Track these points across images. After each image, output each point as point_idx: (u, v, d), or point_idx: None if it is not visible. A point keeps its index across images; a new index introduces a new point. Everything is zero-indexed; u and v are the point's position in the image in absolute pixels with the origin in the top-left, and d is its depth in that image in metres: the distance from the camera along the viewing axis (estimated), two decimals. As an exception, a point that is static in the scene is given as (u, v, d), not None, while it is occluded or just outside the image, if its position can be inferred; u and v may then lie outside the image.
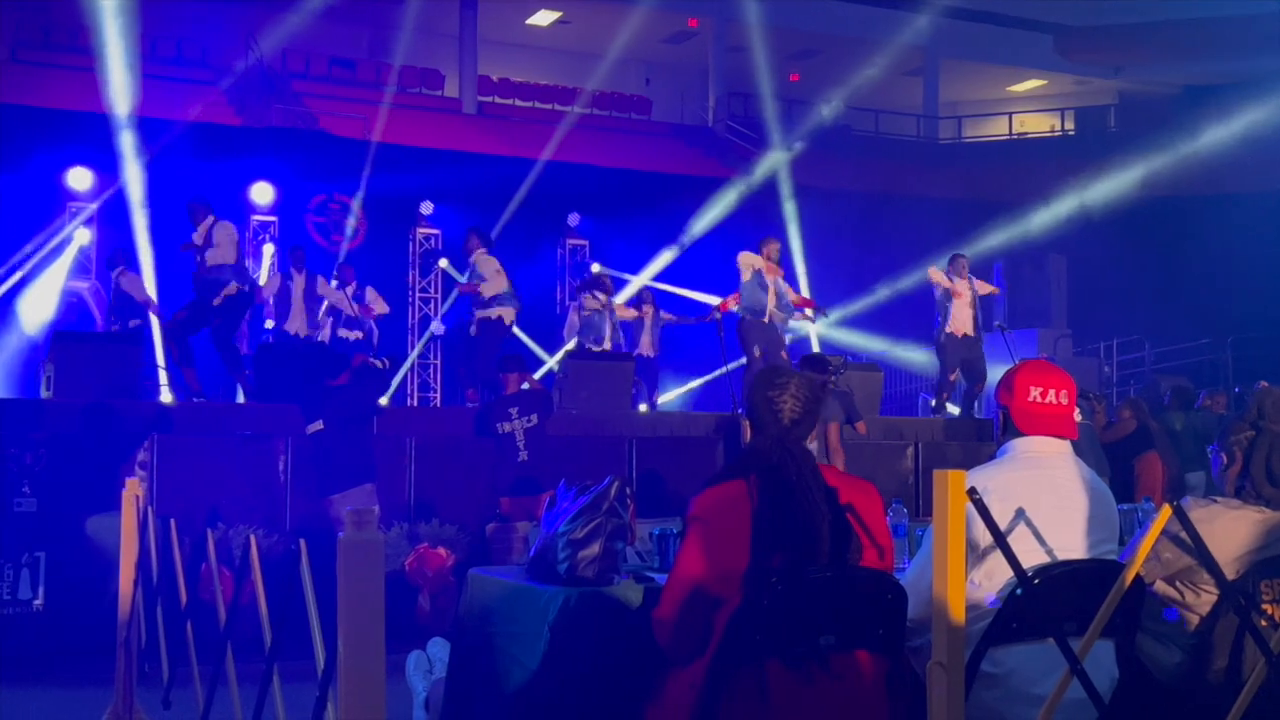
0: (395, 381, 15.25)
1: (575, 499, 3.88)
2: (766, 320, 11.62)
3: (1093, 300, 18.66)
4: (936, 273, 12.72)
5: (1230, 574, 3.66)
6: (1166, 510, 2.94)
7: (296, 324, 13.04)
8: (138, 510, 5.21)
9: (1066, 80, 27.34)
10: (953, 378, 12.97)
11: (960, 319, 12.63)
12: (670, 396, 16.10)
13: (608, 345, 13.05)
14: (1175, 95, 25.90)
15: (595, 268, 15.00)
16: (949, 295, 12.58)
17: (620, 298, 15.05)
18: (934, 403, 13.23)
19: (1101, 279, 19.16)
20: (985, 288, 13.18)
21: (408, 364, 17.12)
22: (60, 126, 15.81)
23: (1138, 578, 3.19)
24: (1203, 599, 3.81)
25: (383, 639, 2.78)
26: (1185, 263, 19.18)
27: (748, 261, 11.71)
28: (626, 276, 17.30)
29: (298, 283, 13.14)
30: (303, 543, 3.26)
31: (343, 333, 13.61)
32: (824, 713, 3.06)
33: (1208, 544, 3.21)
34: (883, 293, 17.40)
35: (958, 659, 2.84)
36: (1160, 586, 3.88)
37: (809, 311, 12.45)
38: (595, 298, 13.32)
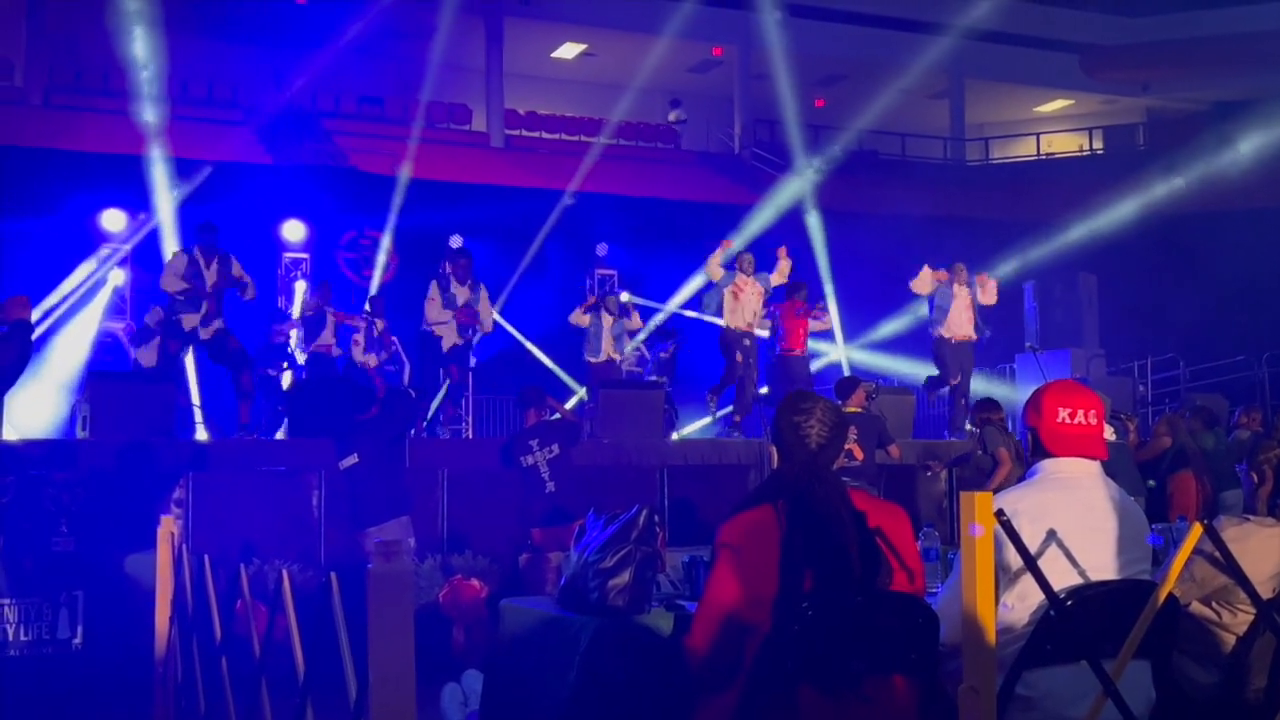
0: (429, 412, 15.33)
1: (604, 528, 3.89)
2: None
3: (1125, 319, 18.52)
4: (927, 277, 12.93)
5: (1266, 592, 3.62)
6: (1197, 529, 2.93)
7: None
8: (173, 547, 5.26)
9: (1094, 99, 27.23)
10: (954, 382, 13.13)
11: (958, 322, 12.93)
12: (697, 426, 16.10)
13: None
14: (1204, 111, 25.75)
15: (624, 295, 15.07)
16: (948, 297, 12.79)
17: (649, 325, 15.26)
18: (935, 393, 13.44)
19: (1134, 297, 19.02)
20: (989, 295, 13.26)
21: (439, 397, 17.14)
22: (93, 169, 16.01)
23: (1172, 598, 3.17)
24: (1239, 619, 3.78)
25: (413, 670, 2.79)
26: (1219, 279, 19.01)
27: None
28: (655, 305, 17.33)
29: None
30: (334, 576, 3.27)
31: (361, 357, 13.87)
32: (857, 738, 3.04)
33: (1242, 563, 3.19)
34: (912, 316, 17.35)
35: (990, 682, 2.82)
36: (1196, 607, 3.85)
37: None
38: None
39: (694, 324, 17.14)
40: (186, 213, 15.49)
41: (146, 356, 12.22)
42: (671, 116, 23.74)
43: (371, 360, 13.79)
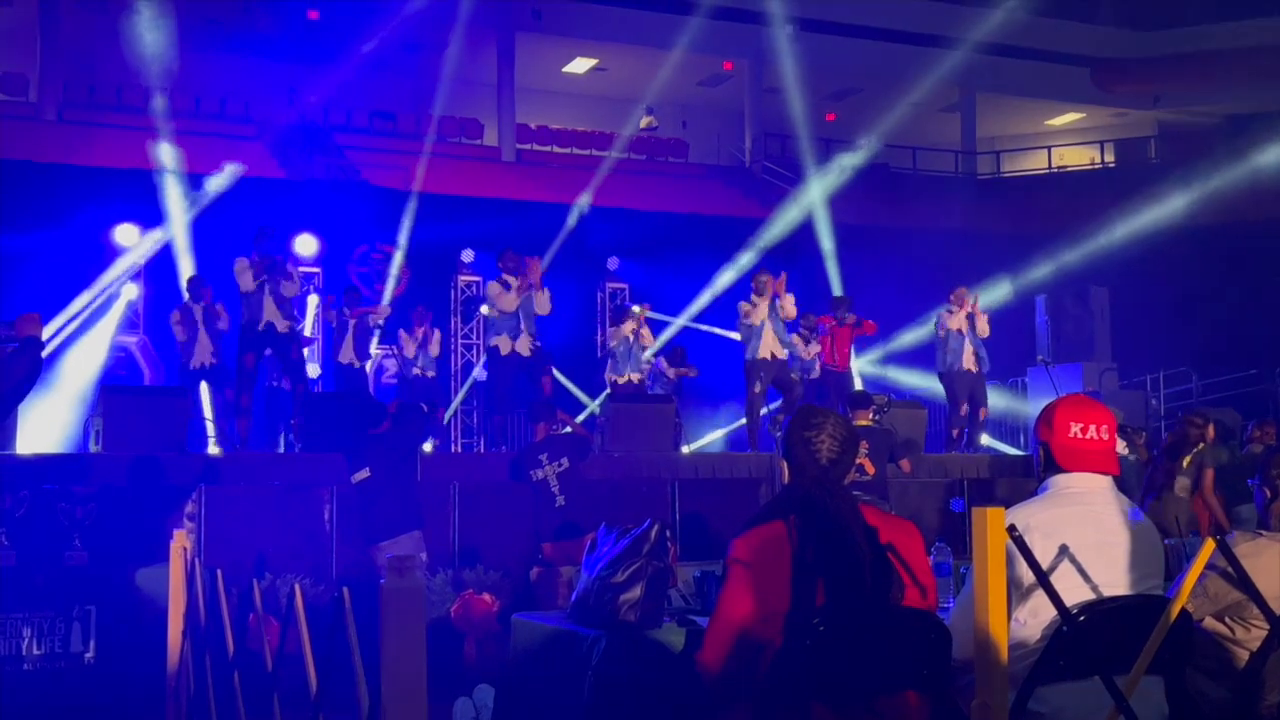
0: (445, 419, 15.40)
1: (616, 542, 3.89)
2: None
3: (1137, 332, 18.48)
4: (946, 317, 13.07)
5: (1279, 608, 3.61)
6: (1210, 544, 2.92)
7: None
8: (185, 562, 5.27)
9: (1105, 113, 27.22)
10: (962, 411, 13.11)
11: (964, 353, 12.97)
12: (707, 440, 16.10)
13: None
14: (1216, 125, 25.72)
15: (635, 309, 15.09)
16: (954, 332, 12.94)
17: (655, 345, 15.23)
18: (955, 433, 13.38)
19: (1146, 311, 18.98)
20: (981, 323, 13.20)
21: (450, 410, 17.18)
22: (107, 184, 16.08)
23: (1185, 613, 3.16)
24: (1253, 634, 3.76)
25: (425, 685, 2.80)
26: (1231, 292, 18.96)
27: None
28: (667, 318, 17.33)
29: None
30: (346, 591, 3.28)
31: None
32: (869, 754, 3.04)
33: (1254, 578, 3.18)
34: (924, 329, 17.34)
35: (1002, 698, 2.82)
36: (1209, 622, 3.84)
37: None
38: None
39: (704, 338, 17.15)
40: (200, 226, 15.56)
41: (200, 356, 12.21)
42: (643, 123, 23.50)
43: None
